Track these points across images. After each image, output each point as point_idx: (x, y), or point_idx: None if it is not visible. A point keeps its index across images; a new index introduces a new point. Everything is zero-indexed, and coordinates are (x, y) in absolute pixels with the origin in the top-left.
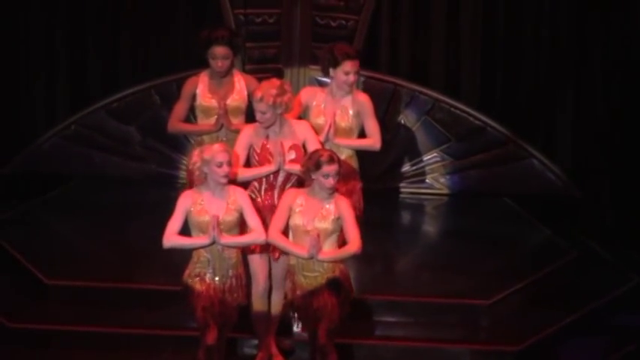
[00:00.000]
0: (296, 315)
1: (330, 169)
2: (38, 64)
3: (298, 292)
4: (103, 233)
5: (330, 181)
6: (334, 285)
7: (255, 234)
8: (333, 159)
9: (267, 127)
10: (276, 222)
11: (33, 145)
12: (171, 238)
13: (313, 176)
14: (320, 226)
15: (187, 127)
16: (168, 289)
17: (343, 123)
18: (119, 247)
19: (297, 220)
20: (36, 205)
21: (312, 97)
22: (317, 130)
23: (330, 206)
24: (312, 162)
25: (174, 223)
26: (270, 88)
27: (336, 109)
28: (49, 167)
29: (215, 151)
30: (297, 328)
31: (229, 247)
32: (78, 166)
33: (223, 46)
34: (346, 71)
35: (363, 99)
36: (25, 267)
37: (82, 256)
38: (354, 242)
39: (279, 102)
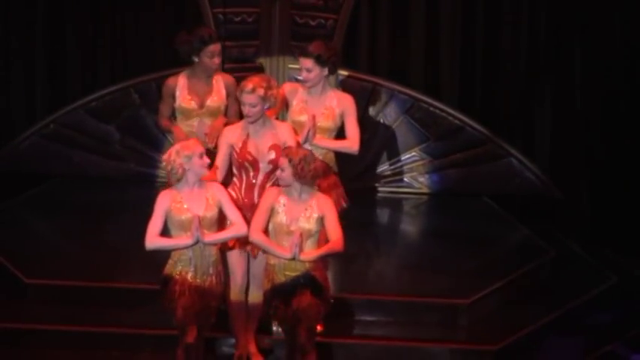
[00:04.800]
0: (274, 314)
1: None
2: (17, 63)
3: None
4: (82, 232)
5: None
6: (314, 284)
7: (237, 227)
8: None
9: (253, 122)
10: (257, 221)
11: (12, 144)
12: (154, 239)
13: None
14: (304, 226)
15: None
16: (148, 288)
17: (328, 122)
18: (98, 246)
19: (279, 219)
20: (15, 204)
21: (293, 93)
22: (298, 127)
23: (313, 205)
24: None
25: (155, 224)
26: (260, 80)
27: (320, 108)
28: (28, 166)
29: (193, 146)
30: (275, 327)
31: (212, 244)
32: (57, 165)
33: (218, 42)
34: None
35: (348, 101)
36: (4, 266)
37: (61, 255)
38: (337, 241)
39: (269, 95)
